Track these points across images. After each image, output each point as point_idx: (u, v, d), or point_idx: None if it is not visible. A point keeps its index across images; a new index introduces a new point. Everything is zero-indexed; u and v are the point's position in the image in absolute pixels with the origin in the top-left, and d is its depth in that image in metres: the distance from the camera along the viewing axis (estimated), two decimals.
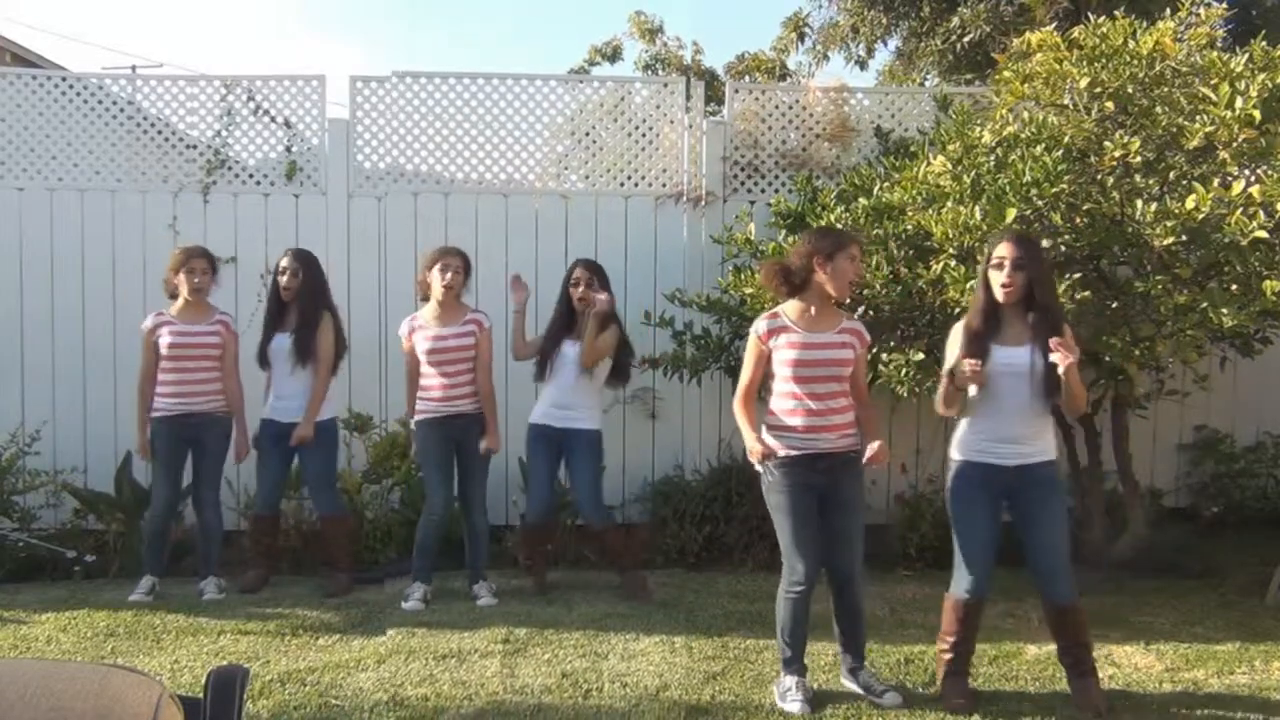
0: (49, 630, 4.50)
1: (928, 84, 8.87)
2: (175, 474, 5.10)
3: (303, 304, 5.12)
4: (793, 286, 3.68)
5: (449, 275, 4.88)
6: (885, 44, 9.59)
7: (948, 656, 3.75)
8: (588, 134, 6.36)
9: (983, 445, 3.62)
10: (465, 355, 4.93)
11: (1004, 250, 3.56)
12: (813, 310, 3.69)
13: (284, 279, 5.13)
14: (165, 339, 4.99)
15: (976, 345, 3.57)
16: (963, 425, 3.69)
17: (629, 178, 6.25)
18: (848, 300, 3.98)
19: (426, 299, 5.04)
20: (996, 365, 3.56)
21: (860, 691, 3.76)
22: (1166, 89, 4.52)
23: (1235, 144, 4.18)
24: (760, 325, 3.72)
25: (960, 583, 3.70)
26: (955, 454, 3.71)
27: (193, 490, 5.20)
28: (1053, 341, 3.40)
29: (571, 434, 5.01)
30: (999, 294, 3.56)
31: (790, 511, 3.61)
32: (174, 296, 5.11)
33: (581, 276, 5.08)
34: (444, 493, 4.99)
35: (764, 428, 3.73)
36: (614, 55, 11.97)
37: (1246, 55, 4.36)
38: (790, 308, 3.72)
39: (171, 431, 5.02)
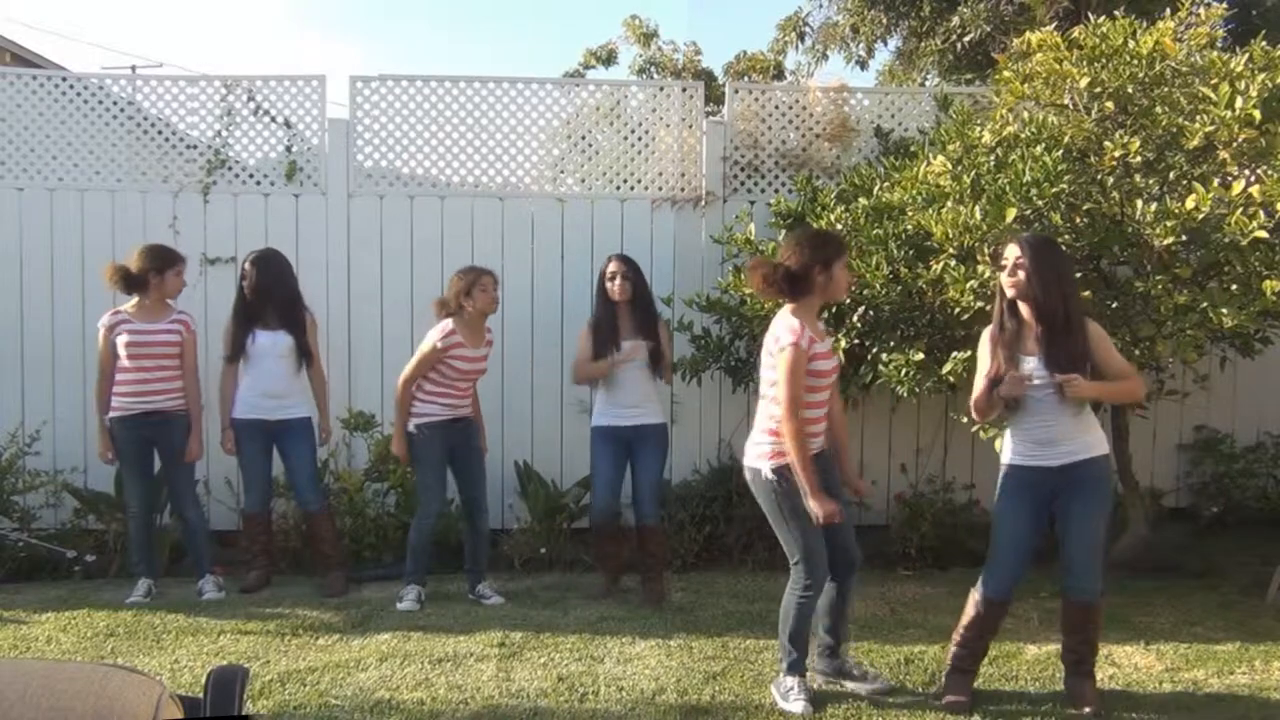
0: (49, 630, 4.51)
1: (928, 84, 8.86)
2: (145, 472, 5.09)
3: (290, 302, 5.16)
4: (793, 294, 3.62)
5: (489, 295, 4.85)
6: (885, 44, 9.57)
7: (959, 652, 3.75)
8: (584, 137, 6.35)
9: (1027, 449, 3.63)
10: (483, 368, 5.06)
11: (1009, 252, 3.60)
12: (816, 318, 3.71)
13: (248, 282, 5.11)
14: (123, 338, 4.95)
15: (1007, 354, 3.59)
16: (1008, 433, 3.71)
17: (625, 181, 6.24)
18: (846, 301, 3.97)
19: (451, 314, 4.84)
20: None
21: (832, 675, 3.86)
22: (1166, 89, 4.52)
23: (1235, 144, 4.19)
24: (804, 338, 3.53)
25: (984, 580, 3.71)
26: (1004, 458, 3.72)
27: (169, 494, 5.20)
28: (1056, 379, 3.47)
29: (641, 430, 5.03)
30: (1009, 292, 3.58)
31: (811, 517, 3.57)
32: (129, 292, 5.01)
33: (618, 270, 5.05)
34: (442, 495, 5.06)
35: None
36: (609, 59, 12.05)
37: (1246, 55, 4.36)
38: (804, 317, 3.62)
39: (132, 432, 4.99)
